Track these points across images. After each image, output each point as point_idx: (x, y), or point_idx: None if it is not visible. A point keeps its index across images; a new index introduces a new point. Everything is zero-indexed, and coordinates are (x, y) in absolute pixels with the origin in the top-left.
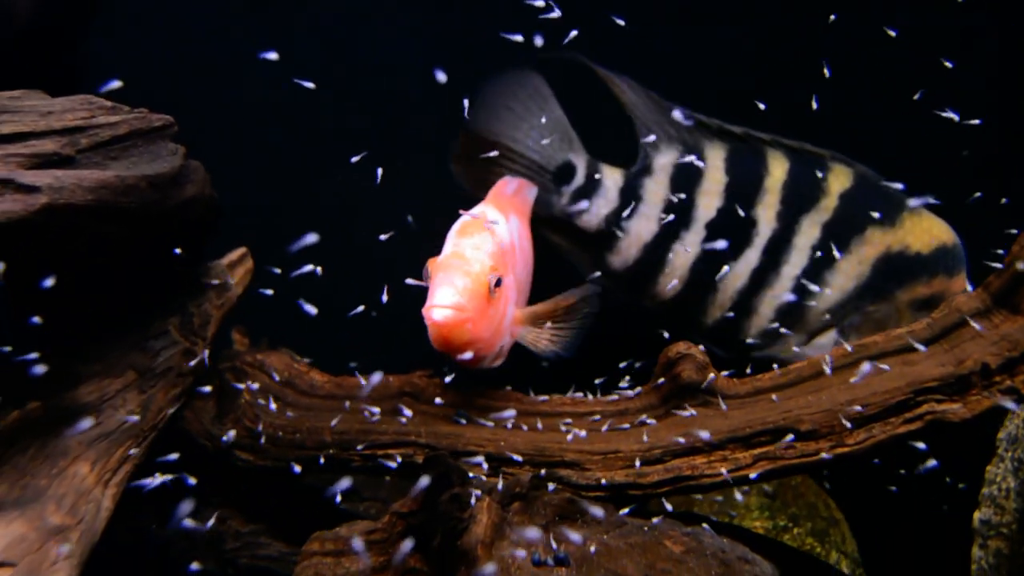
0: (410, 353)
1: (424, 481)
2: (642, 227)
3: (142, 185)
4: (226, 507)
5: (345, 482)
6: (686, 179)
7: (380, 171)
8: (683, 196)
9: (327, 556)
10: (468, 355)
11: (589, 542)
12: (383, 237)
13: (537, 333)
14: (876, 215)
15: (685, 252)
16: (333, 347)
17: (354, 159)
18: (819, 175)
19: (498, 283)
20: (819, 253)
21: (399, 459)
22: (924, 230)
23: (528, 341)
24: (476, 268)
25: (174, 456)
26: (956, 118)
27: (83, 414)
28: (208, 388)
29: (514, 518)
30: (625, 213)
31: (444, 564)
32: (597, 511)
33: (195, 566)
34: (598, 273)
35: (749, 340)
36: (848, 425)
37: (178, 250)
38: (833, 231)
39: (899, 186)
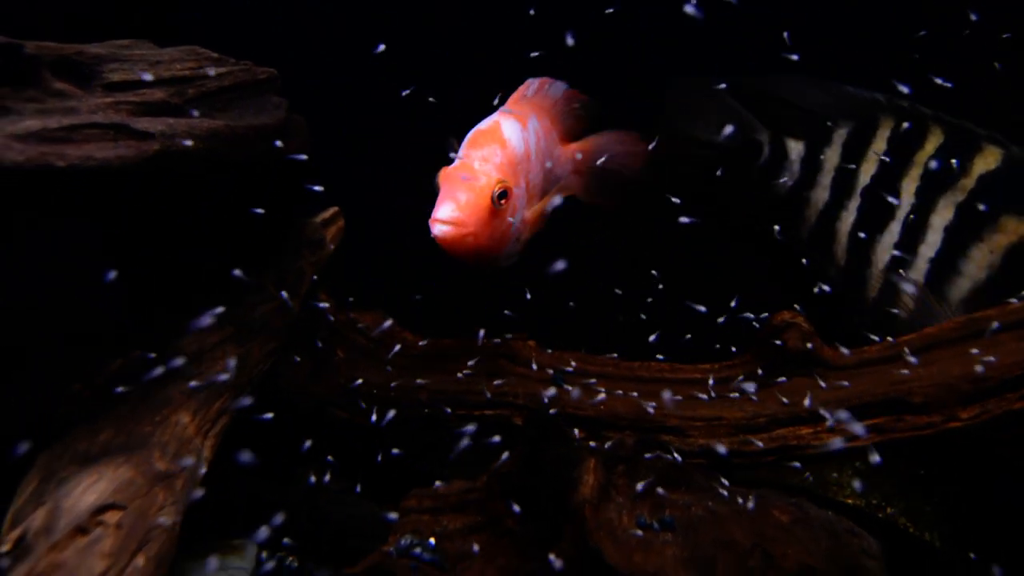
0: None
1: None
2: (819, 195)
3: (250, 135)
4: (319, 464)
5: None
6: (856, 149)
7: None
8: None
9: (424, 513)
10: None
11: (695, 507)
12: None
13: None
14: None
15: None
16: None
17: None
18: (964, 154)
19: (503, 195)
20: (952, 235)
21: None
22: None
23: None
24: (481, 182)
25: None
26: None
27: (184, 364)
28: (303, 345)
29: (618, 480)
30: (805, 182)
31: (546, 525)
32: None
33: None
34: None
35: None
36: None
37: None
38: (966, 213)
39: None
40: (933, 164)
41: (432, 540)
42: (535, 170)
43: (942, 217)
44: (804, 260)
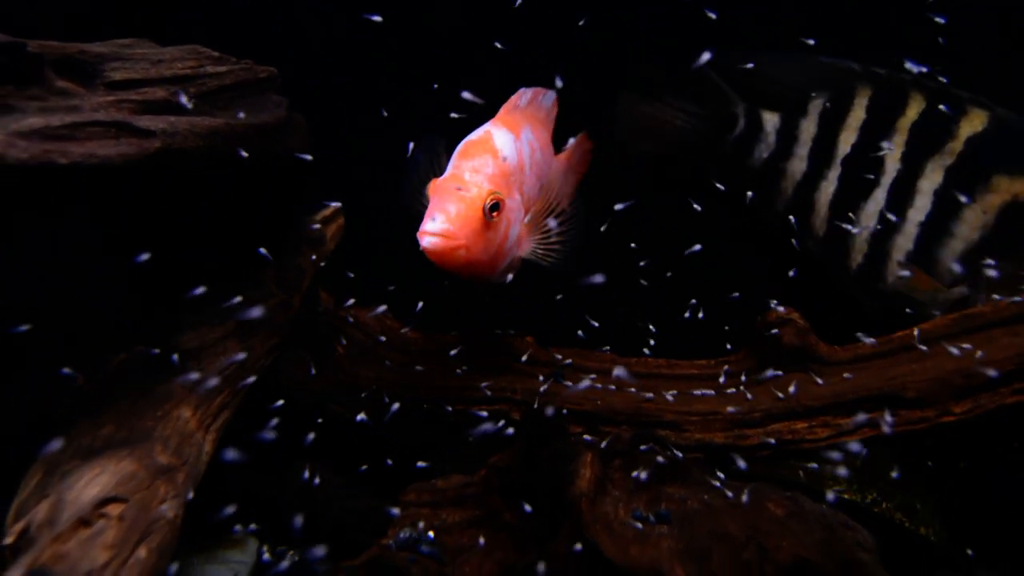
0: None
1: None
2: (795, 167)
3: (250, 134)
4: (318, 459)
5: None
6: (832, 118)
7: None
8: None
9: (423, 507)
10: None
11: (691, 501)
12: None
13: (542, 247)
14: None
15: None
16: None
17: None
18: (950, 117)
19: (495, 207)
20: (943, 199)
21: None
22: None
23: (538, 256)
24: (472, 193)
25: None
26: None
27: (185, 360)
28: (304, 341)
29: (615, 475)
30: (781, 154)
31: (544, 519)
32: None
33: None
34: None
35: (890, 290)
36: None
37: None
38: (956, 176)
39: None
40: (918, 130)
41: (431, 533)
42: (530, 182)
43: (931, 181)
44: (785, 220)
